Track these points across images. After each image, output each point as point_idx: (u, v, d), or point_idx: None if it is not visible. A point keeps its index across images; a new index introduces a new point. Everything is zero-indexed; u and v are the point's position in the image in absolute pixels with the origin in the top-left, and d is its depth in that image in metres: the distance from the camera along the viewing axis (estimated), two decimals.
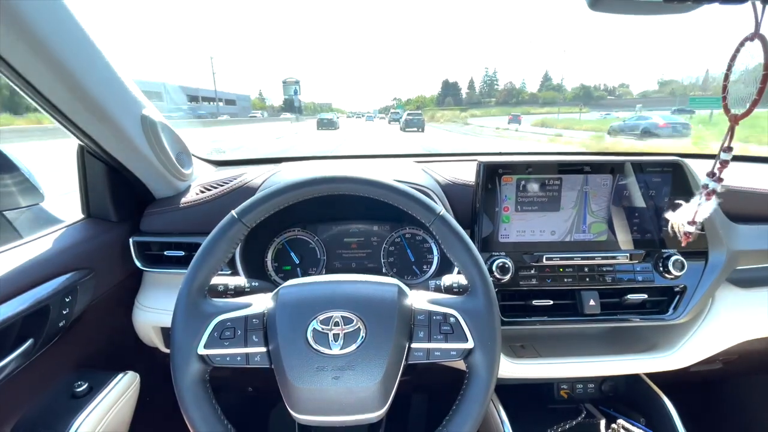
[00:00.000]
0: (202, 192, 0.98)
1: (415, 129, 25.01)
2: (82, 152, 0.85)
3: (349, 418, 0.53)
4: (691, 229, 0.63)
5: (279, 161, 1.26)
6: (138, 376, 0.87)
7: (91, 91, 0.69)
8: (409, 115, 27.62)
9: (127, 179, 0.91)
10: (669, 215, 0.67)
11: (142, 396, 0.88)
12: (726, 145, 0.54)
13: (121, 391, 0.81)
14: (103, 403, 0.76)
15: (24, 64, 0.62)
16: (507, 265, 0.84)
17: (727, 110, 0.51)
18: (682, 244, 0.67)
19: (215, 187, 0.99)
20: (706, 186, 0.58)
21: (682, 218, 0.63)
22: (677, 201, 0.67)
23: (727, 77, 0.50)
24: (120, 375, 0.83)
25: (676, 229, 0.65)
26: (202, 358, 0.54)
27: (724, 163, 0.55)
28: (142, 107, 0.83)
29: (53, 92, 0.67)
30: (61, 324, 0.74)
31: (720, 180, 0.56)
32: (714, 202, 0.59)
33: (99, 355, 0.90)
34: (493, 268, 0.83)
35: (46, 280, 0.72)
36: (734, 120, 0.51)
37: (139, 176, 0.91)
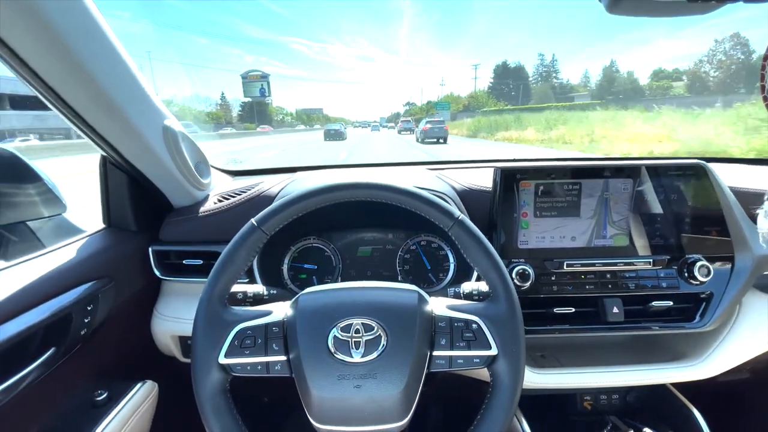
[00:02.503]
0: (220, 201, 0.99)
1: (435, 140, 20.61)
2: (105, 163, 0.87)
3: (372, 428, 0.52)
4: None
5: (294, 170, 1.27)
6: (156, 385, 0.87)
7: (116, 102, 0.71)
8: (428, 123, 21.89)
9: (147, 189, 0.92)
10: (760, 223, 0.65)
11: (161, 405, 0.88)
12: None
13: (139, 401, 0.81)
14: (122, 412, 0.76)
15: (50, 74, 0.63)
16: (527, 272, 0.82)
17: (765, 101, 0.50)
18: None
19: (233, 196, 1.00)
20: None
21: None
22: (755, 210, 0.66)
23: (764, 67, 0.49)
24: (139, 384, 0.83)
25: None
26: (223, 368, 0.54)
27: None
28: (164, 118, 0.84)
29: (79, 102, 0.69)
30: (82, 332, 0.75)
31: None
32: None
33: (119, 364, 0.91)
34: (513, 274, 0.82)
35: (68, 289, 0.73)
36: None
37: (160, 186, 0.93)
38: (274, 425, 1.33)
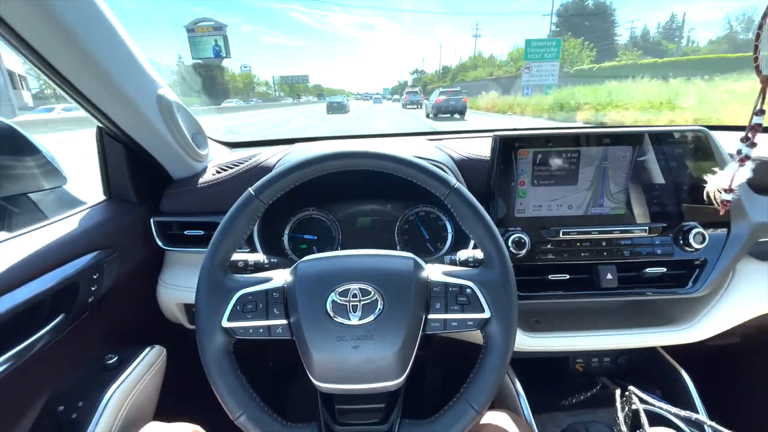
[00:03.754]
0: (219, 172, 1.00)
1: (449, 115, 17.58)
2: (101, 134, 0.87)
3: (369, 386, 0.54)
4: (729, 197, 0.62)
5: (292, 142, 1.26)
6: (164, 350, 0.90)
7: (109, 71, 0.70)
8: (442, 93, 18.12)
9: (145, 160, 0.93)
10: (707, 184, 0.65)
11: (169, 368, 0.92)
12: (758, 108, 0.52)
13: (149, 364, 0.84)
14: (132, 374, 0.80)
15: (43, 44, 0.63)
16: (523, 240, 0.83)
17: (758, 72, 0.50)
18: (721, 213, 0.66)
19: (231, 168, 1.00)
20: (739, 152, 0.56)
21: (719, 185, 0.62)
22: (714, 169, 0.65)
23: (758, 37, 0.48)
24: (147, 348, 0.86)
25: (713, 198, 0.65)
26: (226, 331, 0.56)
27: (757, 127, 0.53)
28: (158, 87, 0.83)
29: (71, 72, 0.68)
30: (89, 300, 0.77)
31: (753, 145, 0.55)
32: (749, 167, 0.58)
33: (127, 331, 0.94)
34: (509, 243, 0.83)
35: (73, 259, 0.75)
36: (766, 82, 0.49)
37: (157, 157, 0.93)
38: (279, 386, 1.39)
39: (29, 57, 0.64)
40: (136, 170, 0.92)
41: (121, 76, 0.73)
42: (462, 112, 17.55)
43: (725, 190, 0.61)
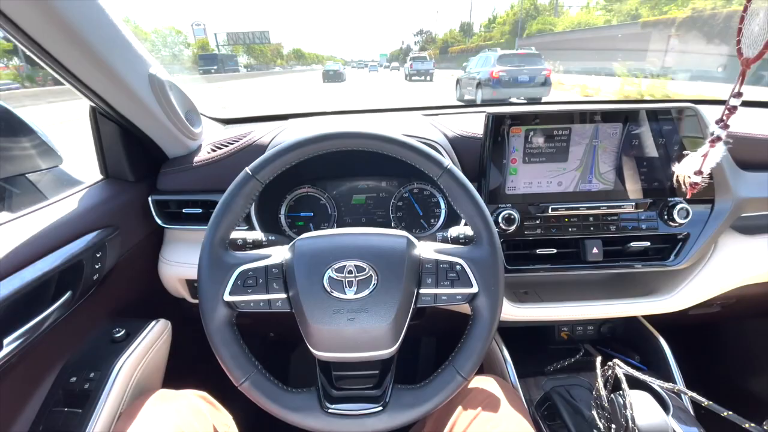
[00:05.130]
0: (214, 151, 1.00)
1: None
2: (95, 114, 0.87)
3: (364, 354, 0.58)
4: (698, 179, 0.64)
5: (286, 118, 1.26)
6: (169, 323, 0.94)
7: (98, 51, 0.69)
8: (505, 59, 10.02)
9: (140, 140, 0.93)
10: (675, 167, 0.67)
11: (174, 341, 0.96)
12: (736, 90, 0.53)
13: (155, 337, 0.88)
14: (140, 346, 0.84)
15: (31, 25, 0.62)
16: (513, 217, 0.86)
17: (739, 54, 0.51)
18: (687, 196, 0.68)
19: (225, 146, 1.00)
20: (712, 133, 0.58)
21: (689, 169, 0.64)
22: (684, 152, 0.67)
23: (742, 19, 0.48)
24: (153, 322, 0.90)
25: (682, 181, 0.66)
26: (228, 304, 0.59)
27: (732, 109, 0.54)
28: (148, 66, 0.82)
29: (61, 53, 0.68)
30: (95, 277, 0.80)
31: (726, 126, 0.56)
32: (721, 149, 0.59)
33: (132, 306, 0.98)
34: (499, 219, 0.86)
35: (75, 238, 0.77)
36: (746, 64, 0.50)
37: (151, 136, 0.93)
38: (279, 355, 1.45)
39: (18, 38, 0.63)
40: (131, 150, 0.92)
41: (111, 55, 0.72)
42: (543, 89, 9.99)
43: (695, 173, 0.63)
